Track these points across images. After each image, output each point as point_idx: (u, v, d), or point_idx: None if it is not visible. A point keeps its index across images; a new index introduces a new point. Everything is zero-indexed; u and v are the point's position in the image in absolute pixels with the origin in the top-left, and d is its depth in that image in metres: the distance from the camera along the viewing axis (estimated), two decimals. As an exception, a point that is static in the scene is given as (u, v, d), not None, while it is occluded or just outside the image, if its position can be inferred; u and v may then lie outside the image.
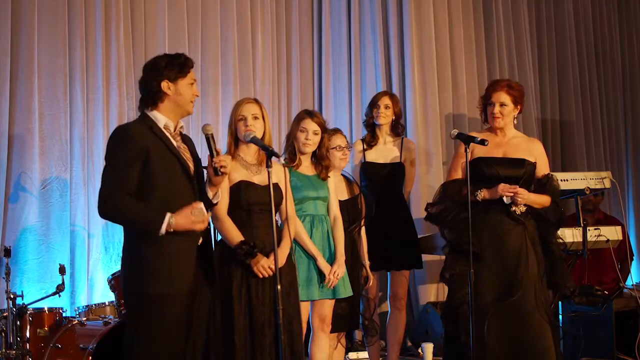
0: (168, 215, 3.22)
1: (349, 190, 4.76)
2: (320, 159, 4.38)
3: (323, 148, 4.38)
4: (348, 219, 4.57)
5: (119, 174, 3.28)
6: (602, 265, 6.47)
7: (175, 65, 3.43)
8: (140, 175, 3.29)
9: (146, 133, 3.34)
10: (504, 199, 4.34)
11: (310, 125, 4.32)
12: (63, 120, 5.45)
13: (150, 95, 3.43)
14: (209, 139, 3.43)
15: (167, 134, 3.41)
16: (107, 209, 3.29)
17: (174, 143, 3.42)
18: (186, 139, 3.55)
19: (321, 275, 4.23)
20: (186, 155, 3.45)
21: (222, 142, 5.90)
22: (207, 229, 3.48)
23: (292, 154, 4.36)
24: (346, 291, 4.33)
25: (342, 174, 4.78)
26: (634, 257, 6.86)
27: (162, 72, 3.41)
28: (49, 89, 5.43)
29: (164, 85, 3.40)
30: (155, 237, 3.25)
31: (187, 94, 3.43)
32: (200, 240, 3.43)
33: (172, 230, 3.23)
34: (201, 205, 3.29)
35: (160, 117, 3.42)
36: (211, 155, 3.42)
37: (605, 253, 6.06)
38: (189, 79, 3.44)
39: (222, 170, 3.43)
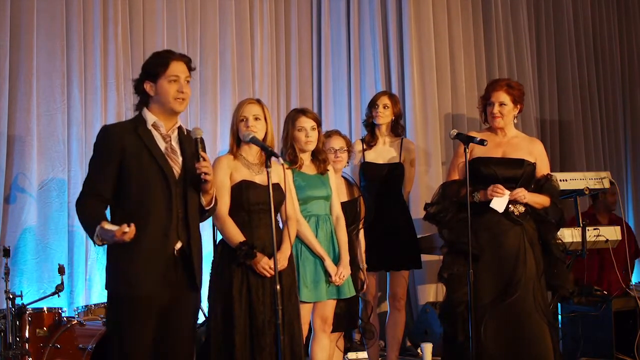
0: (98, 227, 3.15)
1: (349, 192, 4.75)
2: (317, 153, 4.37)
3: (319, 143, 4.37)
4: (347, 220, 4.56)
5: (91, 175, 3.33)
6: (607, 265, 6.47)
7: (154, 65, 3.38)
8: (118, 175, 3.28)
9: (127, 133, 3.32)
10: (493, 205, 4.32)
11: (307, 123, 4.31)
12: (61, 121, 5.43)
13: (140, 97, 3.42)
14: (197, 143, 3.34)
15: (156, 134, 3.36)
16: (76, 207, 3.34)
17: (160, 144, 3.36)
18: (186, 141, 3.45)
19: (327, 276, 4.22)
20: (173, 157, 3.37)
21: (220, 142, 5.97)
22: (190, 233, 3.37)
23: (291, 155, 4.34)
24: (350, 291, 4.33)
25: (342, 176, 4.77)
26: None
27: (145, 72, 3.39)
28: (47, 89, 5.41)
29: (147, 86, 3.37)
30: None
31: (168, 91, 3.34)
32: (180, 245, 3.33)
33: (104, 242, 3.18)
34: (107, 225, 3.12)
35: (150, 117, 3.38)
36: (197, 160, 3.34)
37: (608, 253, 6.06)
38: (169, 76, 3.34)
39: (203, 177, 3.32)
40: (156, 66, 3.37)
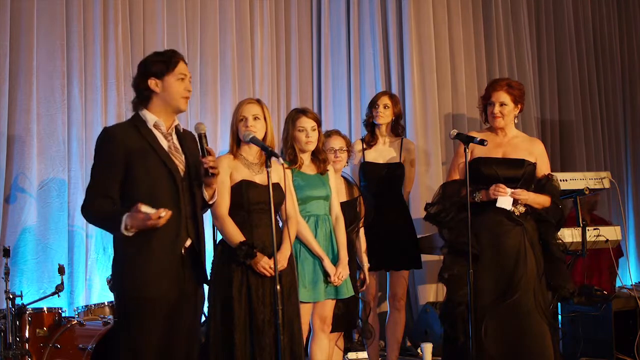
0: (124, 216, 3.16)
1: (349, 192, 4.75)
2: (317, 153, 4.37)
3: (319, 142, 4.37)
4: (346, 220, 4.56)
5: (97, 176, 3.31)
6: (600, 265, 6.47)
7: (160, 62, 3.37)
8: (124, 177, 3.27)
9: (130, 134, 3.31)
10: (500, 204, 4.31)
11: (308, 123, 4.31)
12: (61, 121, 5.43)
13: (140, 95, 3.40)
14: (201, 138, 3.36)
15: (157, 134, 3.37)
16: (84, 212, 3.33)
17: (163, 143, 3.36)
18: (186, 137, 3.47)
19: (326, 276, 4.22)
20: (177, 155, 3.38)
21: (220, 142, 5.97)
22: (198, 230, 3.40)
23: (291, 155, 4.34)
24: (349, 291, 4.33)
25: (342, 176, 4.77)
26: (622, 255, 6.89)
27: (149, 70, 3.38)
28: (47, 90, 5.41)
29: (151, 83, 3.36)
30: (132, 240, 3.20)
31: (176, 89, 3.36)
32: (189, 242, 3.36)
33: (133, 230, 3.16)
34: (143, 207, 3.13)
35: (150, 117, 3.37)
36: (202, 155, 3.35)
37: (601, 254, 6.07)
38: (177, 74, 3.36)
39: (211, 171, 3.34)
40: (163, 63, 3.37)
